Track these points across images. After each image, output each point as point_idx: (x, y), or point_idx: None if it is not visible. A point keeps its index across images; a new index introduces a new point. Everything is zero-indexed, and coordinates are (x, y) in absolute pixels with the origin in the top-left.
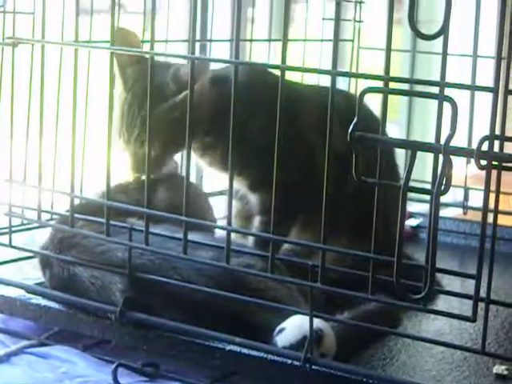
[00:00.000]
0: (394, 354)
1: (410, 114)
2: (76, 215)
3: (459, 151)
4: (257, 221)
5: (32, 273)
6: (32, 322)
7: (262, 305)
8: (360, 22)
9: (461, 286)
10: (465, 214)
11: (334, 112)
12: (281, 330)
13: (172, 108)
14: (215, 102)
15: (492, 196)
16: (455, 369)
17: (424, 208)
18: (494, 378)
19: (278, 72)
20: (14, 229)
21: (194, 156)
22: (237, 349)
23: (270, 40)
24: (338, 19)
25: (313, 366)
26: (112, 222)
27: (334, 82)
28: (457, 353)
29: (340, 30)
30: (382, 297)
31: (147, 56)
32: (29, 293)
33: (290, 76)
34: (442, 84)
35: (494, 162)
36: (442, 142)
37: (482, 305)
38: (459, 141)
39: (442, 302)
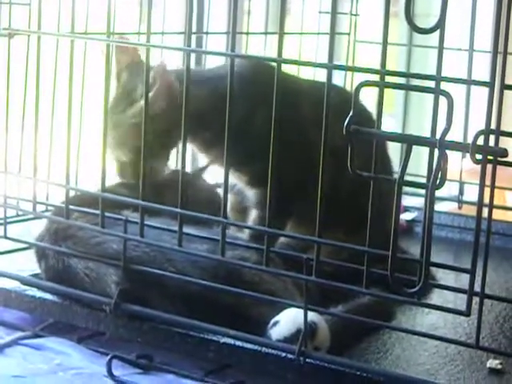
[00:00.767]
0: (387, 348)
1: (406, 107)
2: (71, 207)
3: (455, 145)
4: (254, 215)
5: (27, 264)
6: (27, 314)
7: (256, 298)
8: (356, 15)
9: (455, 279)
10: (460, 208)
11: (329, 107)
12: (275, 323)
13: (136, 113)
14: (203, 103)
15: (487, 190)
16: (449, 363)
17: (419, 202)
18: (488, 372)
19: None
20: (9, 220)
21: (199, 152)
22: (231, 341)
23: (266, 33)
24: (334, 12)
25: (307, 359)
26: (107, 214)
27: (330, 75)
28: (451, 347)
29: (336, 24)
30: (376, 290)
31: (143, 47)
32: (24, 284)
33: (287, 69)
34: (438, 78)
35: (489, 157)
36: (438, 136)
37: (476, 299)
38: (455, 135)
39: (437, 296)
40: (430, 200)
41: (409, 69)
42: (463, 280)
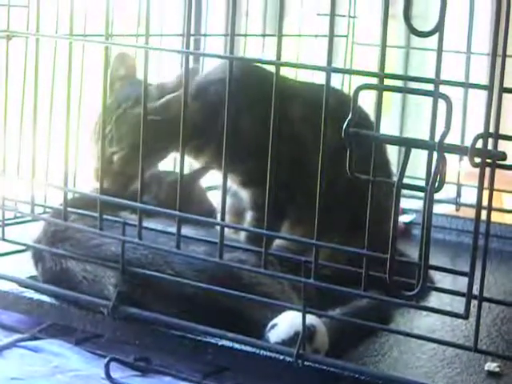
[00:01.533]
0: (386, 351)
1: (404, 109)
2: (69, 209)
3: (453, 149)
4: (249, 217)
5: (25, 266)
6: (24, 316)
7: (254, 300)
8: (354, 17)
9: (453, 282)
10: (457, 210)
11: (321, 108)
12: (273, 326)
13: (150, 110)
14: (196, 115)
15: (485, 193)
16: (447, 365)
17: (416, 204)
18: (486, 375)
19: (271, 67)
20: (6, 222)
21: (187, 157)
22: (229, 344)
23: (264, 35)
24: (333, 15)
25: (305, 362)
26: (105, 217)
27: (328, 78)
28: (448, 349)
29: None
30: (374, 293)
31: (142, 49)
32: (21, 286)
33: (283, 71)
34: (437, 81)
35: (488, 160)
36: (437, 139)
37: (473, 302)
38: (452, 137)
39: (434, 299)
40: (429, 203)
41: (407, 71)
42: (461, 282)
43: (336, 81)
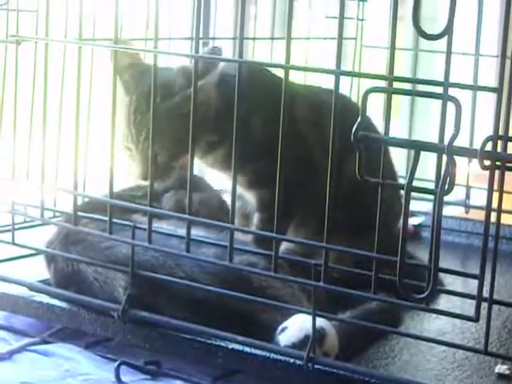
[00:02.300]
0: (396, 353)
1: (412, 111)
2: (80, 213)
3: (463, 151)
4: (256, 218)
5: (35, 270)
6: (35, 320)
7: (264, 303)
8: (363, 20)
9: (463, 284)
10: (467, 212)
11: (327, 111)
12: (283, 329)
13: (181, 103)
14: (218, 102)
15: (494, 195)
16: (457, 368)
17: (425, 206)
18: (496, 378)
19: (280, 71)
20: (16, 226)
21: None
22: (239, 347)
23: (272, 38)
24: (342, 18)
25: (315, 366)
26: (116, 220)
27: (337, 81)
28: (459, 352)
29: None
30: (383, 296)
31: (151, 53)
32: (31, 290)
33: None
34: (447, 84)
35: (497, 163)
36: (446, 141)
37: (483, 304)
38: (461, 140)
39: (444, 301)
40: (439, 206)
41: (415, 73)
42: (471, 284)
43: (344, 83)
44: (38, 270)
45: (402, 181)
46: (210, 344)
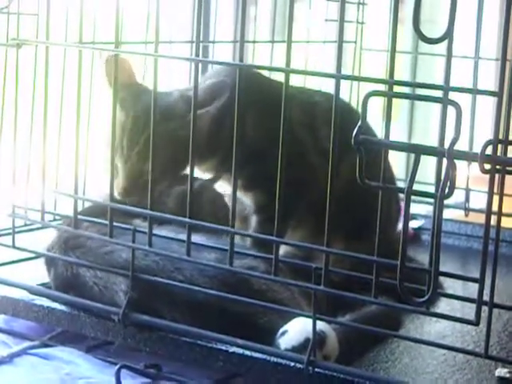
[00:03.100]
0: (396, 357)
1: (412, 115)
2: (80, 217)
3: (463, 155)
4: (253, 220)
5: (35, 274)
6: (35, 323)
7: (265, 307)
8: (362, 23)
9: (463, 287)
10: (466, 215)
11: (321, 112)
12: (283, 333)
13: (181, 126)
14: (212, 122)
15: (494, 198)
16: (457, 371)
17: (425, 209)
18: (497, 381)
19: (281, 75)
20: (17, 230)
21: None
22: (240, 351)
23: (273, 41)
24: (342, 21)
25: (315, 369)
26: (116, 224)
27: (338, 85)
28: (459, 355)
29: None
30: (383, 299)
31: (152, 57)
32: (32, 294)
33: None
34: (447, 88)
35: (498, 167)
36: (446, 145)
37: (484, 307)
38: (460, 143)
39: (444, 304)
40: (439, 210)
41: (415, 77)
42: (471, 288)
43: (343, 87)
44: (38, 274)
45: (400, 184)
46: (210, 347)
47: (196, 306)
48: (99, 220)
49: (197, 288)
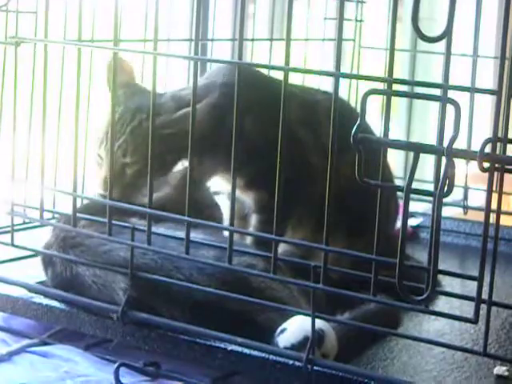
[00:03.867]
0: (394, 355)
1: (411, 113)
2: (78, 214)
3: (462, 154)
4: (254, 220)
5: (34, 272)
6: (34, 321)
7: (263, 305)
8: (361, 21)
9: (461, 285)
10: (465, 213)
11: (320, 111)
12: (282, 331)
13: (167, 123)
14: (207, 122)
15: (493, 197)
16: (456, 369)
17: (424, 207)
18: (495, 379)
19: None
20: (15, 228)
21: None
22: (238, 349)
23: (271, 39)
24: (341, 19)
25: (314, 367)
26: (115, 222)
27: (337, 83)
28: (457, 353)
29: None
30: (382, 297)
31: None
32: (31, 292)
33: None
34: (446, 86)
35: (497, 165)
36: (445, 143)
37: (482, 305)
38: (458, 141)
39: (443, 302)
40: (438, 208)
41: (414, 74)
42: (469, 285)
43: (342, 85)
44: (37, 272)
45: (397, 182)
46: (209, 345)
47: (195, 304)
48: (98, 218)
49: (195, 286)
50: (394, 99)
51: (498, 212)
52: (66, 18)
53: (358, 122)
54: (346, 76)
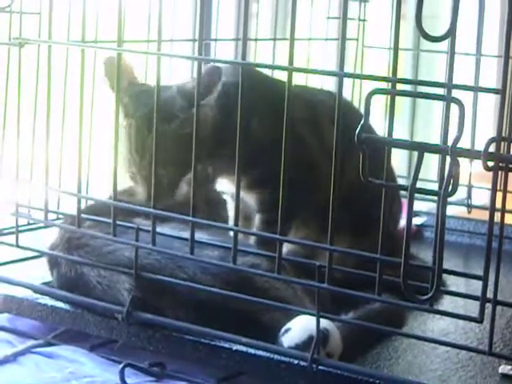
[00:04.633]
0: (399, 354)
1: (414, 112)
2: (83, 215)
3: (467, 153)
4: (257, 220)
5: (39, 273)
6: (39, 322)
7: (268, 304)
8: (364, 20)
9: (466, 284)
10: (469, 212)
11: (324, 111)
12: (286, 330)
13: (184, 123)
14: (215, 116)
15: (498, 195)
16: (461, 368)
17: (428, 206)
18: (500, 378)
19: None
20: (20, 229)
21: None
22: (243, 349)
23: (275, 39)
24: (345, 19)
25: (319, 366)
26: (119, 223)
27: (341, 83)
28: (462, 352)
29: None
30: (387, 296)
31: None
32: (36, 293)
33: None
34: (450, 86)
35: (501, 164)
36: (449, 143)
37: (487, 304)
38: (462, 140)
39: (448, 301)
40: (442, 207)
41: (417, 73)
42: (474, 284)
43: (345, 85)
44: (42, 273)
45: (401, 181)
46: (213, 345)
47: (199, 304)
48: (102, 219)
49: (200, 286)
50: (398, 99)
51: (503, 210)
52: (69, 19)
53: (362, 122)
54: (349, 76)
